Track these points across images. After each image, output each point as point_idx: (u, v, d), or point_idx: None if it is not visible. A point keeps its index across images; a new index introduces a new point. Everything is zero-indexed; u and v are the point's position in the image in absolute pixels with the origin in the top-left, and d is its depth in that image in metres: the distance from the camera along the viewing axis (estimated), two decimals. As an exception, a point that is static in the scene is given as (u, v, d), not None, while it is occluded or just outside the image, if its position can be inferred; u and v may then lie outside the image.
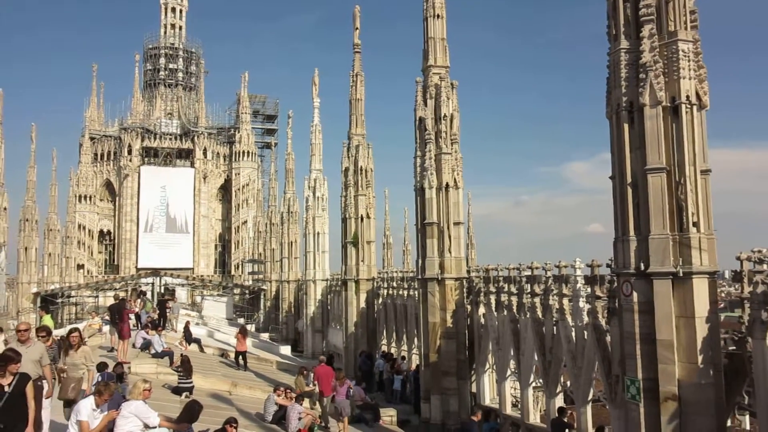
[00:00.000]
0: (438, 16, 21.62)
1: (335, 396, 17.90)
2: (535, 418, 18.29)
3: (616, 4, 12.39)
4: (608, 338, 14.22)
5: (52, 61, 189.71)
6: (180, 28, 79.75)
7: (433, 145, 20.99)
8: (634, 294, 11.82)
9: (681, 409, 11.30)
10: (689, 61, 11.65)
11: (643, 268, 11.62)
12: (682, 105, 11.55)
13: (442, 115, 20.96)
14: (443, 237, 20.71)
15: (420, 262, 21.37)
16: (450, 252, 20.58)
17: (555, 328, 16.54)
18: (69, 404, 11.21)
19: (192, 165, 74.50)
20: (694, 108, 11.62)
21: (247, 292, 60.23)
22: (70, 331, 12.27)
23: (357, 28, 31.21)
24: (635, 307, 11.79)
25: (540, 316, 17.28)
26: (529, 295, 17.79)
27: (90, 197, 71.00)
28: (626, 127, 12.12)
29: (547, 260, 17.33)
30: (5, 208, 48.60)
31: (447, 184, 20.73)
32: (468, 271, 21.65)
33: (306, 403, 18.56)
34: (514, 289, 18.60)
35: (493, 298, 19.81)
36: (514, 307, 18.49)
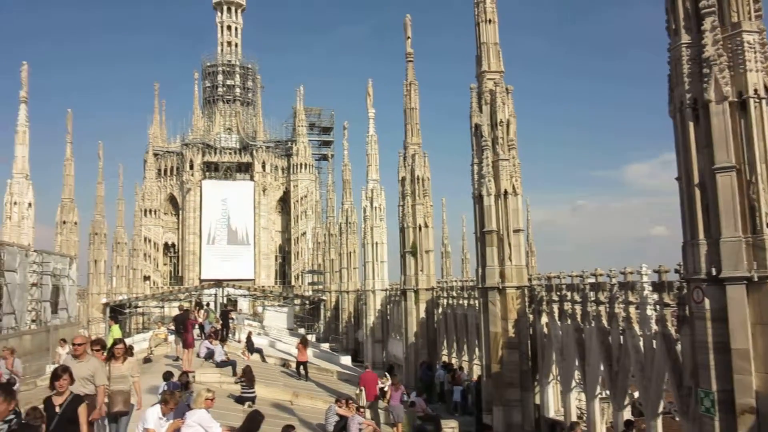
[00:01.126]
0: (490, 21, 21.41)
1: (390, 401, 18.00)
2: (601, 430, 17.70)
3: (675, -2, 11.97)
4: (679, 347, 13.66)
5: (117, 80, 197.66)
6: (236, 45, 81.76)
7: (490, 152, 20.72)
8: (706, 301, 11.29)
9: (759, 422, 10.71)
10: (755, 53, 11.14)
11: (714, 273, 11.10)
12: (750, 99, 11.05)
13: (498, 121, 20.69)
14: (503, 245, 20.38)
15: (480, 271, 21.08)
16: (510, 260, 20.22)
17: (621, 337, 16.00)
18: (116, 419, 10.88)
19: (251, 178, 76.08)
20: (763, 102, 11.10)
21: (307, 302, 60.84)
22: (114, 343, 11.76)
23: (409, 38, 31.28)
24: (707, 315, 11.26)
25: (605, 325, 16.75)
26: (594, 304, 17.29)
27: (155, 211, 73.57)
28: (691, 125, 11.66)
29: (611, 266, 16.85)
30: (76, 223, 50.53)
31: (506, 191, 20.41)
32: (529, 279, 21.23)
33: (367, 413, 18.53)
34: (577, 298, 18.12)
35: (556, 306, 19.35)
36: (578, 316, 17.99)
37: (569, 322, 18.39)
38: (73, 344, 10.08)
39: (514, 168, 20.62)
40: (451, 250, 62.01)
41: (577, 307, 18.10)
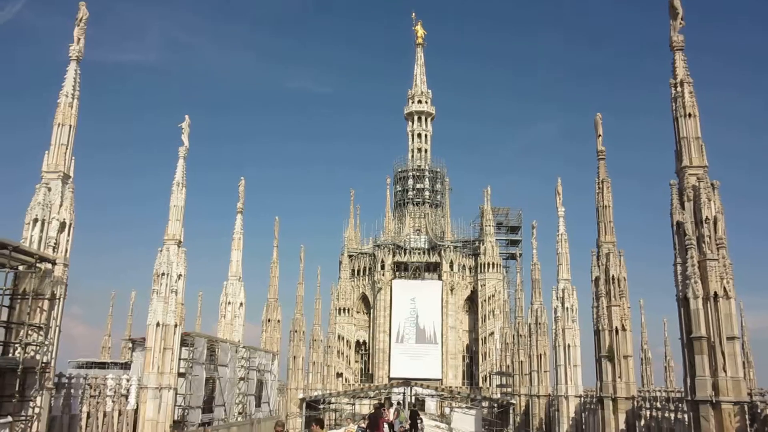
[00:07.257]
0: (690, 115, 20.55)
1: None
2: None
3: None
4: None
5: (317, 186, 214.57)
6: (425, 150, 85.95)
7: (695, 251, 19.34)
8: None
9: None
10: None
11: None
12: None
13: (704, 218, 19.37)
14: (715, 353, 18.54)
15: (688, 381, 19.24)
16: (725, 371, 18.26)
17: None
18: None
19: (439, 277, 77.24)
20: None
21: (495, 405, 58.82)
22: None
23: (600, 135, 30.85)
24: None
25: None
26: (834, 426, 14.94)
27: (348, 310, 77.22)
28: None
29: None
30: (279, 321, 54.08)
31: (715, 294, 18.78)
32: (749, 395, 18.94)
33: None
34: (812, 417, 15.78)
35: (785, 426, 16.99)
36: (815, 440, 15.61)
37: (804, 446, 16.00)
38: None
39: (725, 269, 18.97)
40: (651, 356, 57.60)
41: (814, 430, 15.73)
